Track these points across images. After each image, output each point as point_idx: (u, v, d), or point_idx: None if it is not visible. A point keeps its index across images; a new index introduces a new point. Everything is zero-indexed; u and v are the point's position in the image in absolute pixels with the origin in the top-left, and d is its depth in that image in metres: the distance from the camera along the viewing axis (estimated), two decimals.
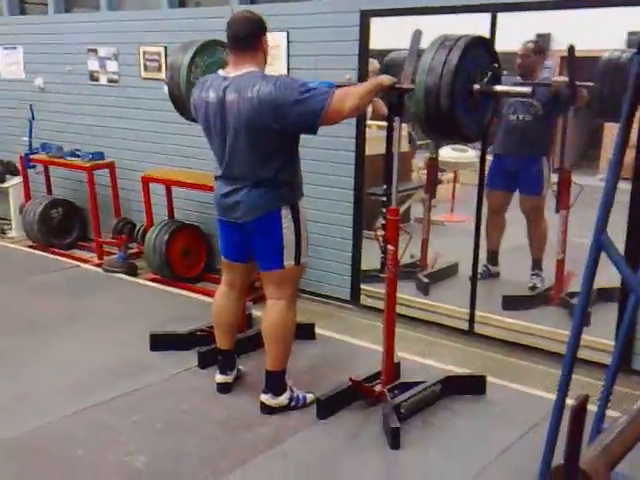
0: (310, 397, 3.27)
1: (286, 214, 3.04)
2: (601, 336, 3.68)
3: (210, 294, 4.74)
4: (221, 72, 3.09)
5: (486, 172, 4.16)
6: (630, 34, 4.09)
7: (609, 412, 2.73)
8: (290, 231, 3.05)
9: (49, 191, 6.21)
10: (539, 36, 4.61)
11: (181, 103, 3.71)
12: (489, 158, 4.31)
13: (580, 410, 1.46)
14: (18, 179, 6.32)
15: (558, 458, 2.05)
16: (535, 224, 4.60)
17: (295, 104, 2.83)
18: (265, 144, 2.95)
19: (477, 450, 2.93)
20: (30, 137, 6.00)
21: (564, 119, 4.31)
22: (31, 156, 5.96)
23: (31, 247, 6.03)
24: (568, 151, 4.36)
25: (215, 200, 3.20)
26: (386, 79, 3.00)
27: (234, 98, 2.91)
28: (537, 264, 4.61)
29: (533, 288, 4.57)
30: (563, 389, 2.09)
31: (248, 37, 2.99)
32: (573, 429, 1.45)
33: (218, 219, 3.24)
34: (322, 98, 2.84)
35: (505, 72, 3.62)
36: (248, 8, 4.90)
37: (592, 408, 2.20)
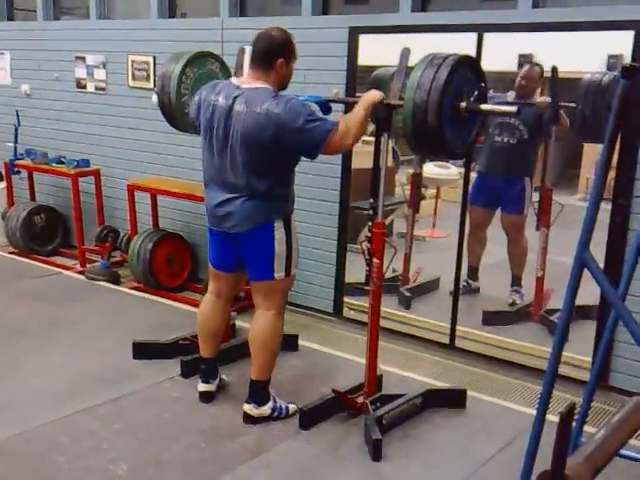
0: (292, 408, 3.29)
1: (278, 226, 3.07)
2: (579, 353, 3.75)
3: (193, 303, 4.77)
4: (234, 80, 3.14)
5: (469, 188, 4.23)
6: (610, 57, 4.19)
7: (587, 428, 2.79)
8: (281, 243, 3.08)
9: (32, 197, 6.19)
10: (521, 56, 4.70)
11: (171, 113, 3.75)
12: (473, 175, 4.37)
13: (568, 416, 1.51)
14: (1, 185, 6.28)
15: (537, 470, 2.10)
16: (516, 242, 4.67)
17: (299, 131, 2.88)
18: (264, 159, 2.97)
19: (458, 462, 2.97)
20: (15, 143, 5.98)
21: (546, 139, 4.40)
22: (16, 162, 5.93)
23: (13, 253, 6.00)
24: (549, 170, 4.44)
25: (207, 208, 3.20)
26: (377, 97, 3.04)
27: (242, 109, 2.94)
28: (517, 281, 4.68)
29: (513, 304, 4.64)
30: (545, 402, 2.14)
31: (265, 55, 3.01)
32: (561, 435, 1.49)
33: (209, 228, 3.25)
34: (326, 130, 2.90)
35: (491, 91, 3.70)
36: (238, 21, 5.01)
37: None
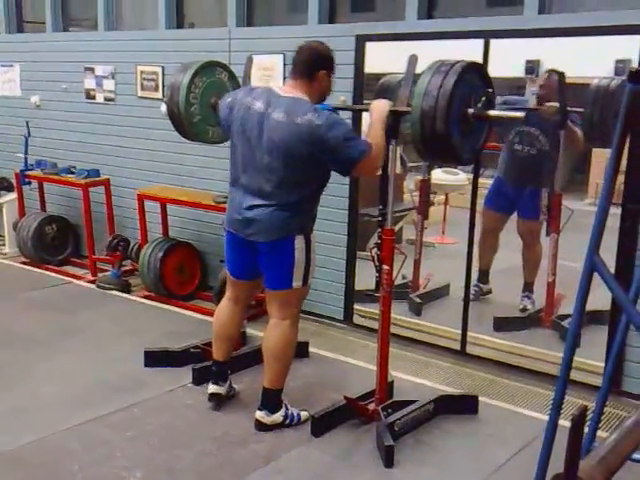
0: (304, 415, 3.30)
1: (299, 239, 3.06)
2: (591, 358, 3.74)
3: (204, 311, 4.79)
4: (274, 88, 3.15)
5: (478, 194, 4.23)
6: (617, 62, 4.19)
7: (600, 433, 2.78)
8: (302, 253, 3.07)
9: (43, 207, 6.23)
10: (528, 62, 4.70)
11: (179, 122, 3.78)
12: (482, 181, 4.38)
13: (581, 418, 1.51)
14: (12, 195, 6.33)
15: (550, 476, 2.10)
16: (531, 248, 4.66)
17: (337, 146, 2.91)
18: (297, 170, 2.98)
19: (470, 468, 2.96)
20: (26, 154, 6.03)
21: (555, 144, 4.40)
22: (26, 172, 5.98)
23: (24, 263, 6.03)
24: (559, 175, 4.44)
25: (229, 209, 3.19)
26: (387, 108, 3.05)
27: (282, 118, 2.94)
28: (528, 286, 4.67)
29: (524, 310, 4.62)
30: (557, 407, 2.14)
31: (307, 65, 3.06)
32: (573, 437, 1.49)
33: (227, 233, 3.22)
34: (362, 149, 2.94)
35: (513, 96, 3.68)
36: (245, 30, 5.05)
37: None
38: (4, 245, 6.47)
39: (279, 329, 3.18)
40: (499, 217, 4.72)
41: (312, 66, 3.05)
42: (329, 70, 3.11)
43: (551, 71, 4.39)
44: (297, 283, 3.12)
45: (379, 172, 3.11)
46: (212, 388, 3.41)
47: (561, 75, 4.03)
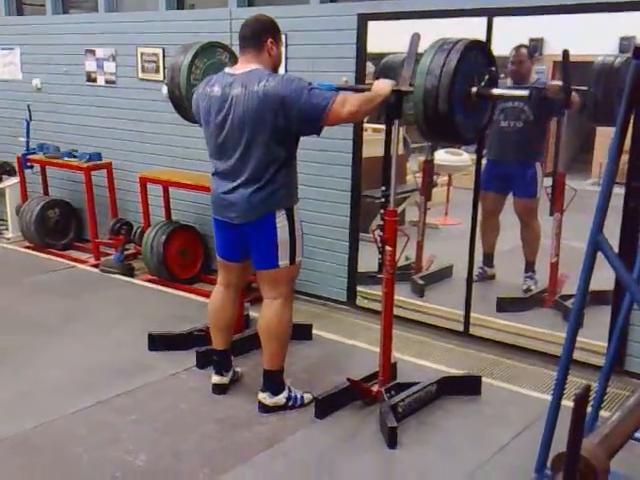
0: (308, 397, 3.30)
1: (280, 214, 3.06)
2: (594, 338, 3.74)
3: (207, 295, 4.77)
4: (227, 70, 3.14)
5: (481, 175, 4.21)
6: (622, 39, 4.15)
7: (602, 412, 2.79)
8: (284, 230, 3.07)
9: (46, 192, 6.23)
10: (532, 40, 4.67)
11: (181, 104, 3.75)
12: (484, 162, 4.36)
13: (584, 397, 1.52)
14: (15, 179, 6.33)
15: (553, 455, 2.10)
16: (529, 226, 4.65)
17: (300, 98, 2.88)
18: (268, 140, 2.95)
19: (473, 449, 2.97)
20: (27, 137, 6.01)
21: (558, 123, 4.37)
22: (28, 156, 5.97)
23: (28, 248, 6.04)
24: (562, 155, 4.41)
25: (212, 197, 3.22)
26: (387, 87, 3.02)
27: (240, 92, 2.95)
28: (530, 266, 4.67)
29: (527, 290, 4.63)
30: (560, 387, 2.14)
31: (253, 36, 3.05)
32: (576, 415, 1.50)
33: (213, 218, 3.26)
34: (327, 96, 2.90)
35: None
36: (246, 10, 5.00)
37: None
38: (7, 230, 6.47)
39: (272, 308, 3.18)
40: (497, 198, 4.71)
41: (257, 36, 3.05)
42: (275, 38, 3.09)
43: (520, 46, 4.39)
44: (284, 262, 3.11)
45: (347, 119, 3.03)
46: (215, 379, 3.42)
47: (565, 53, 3.99)
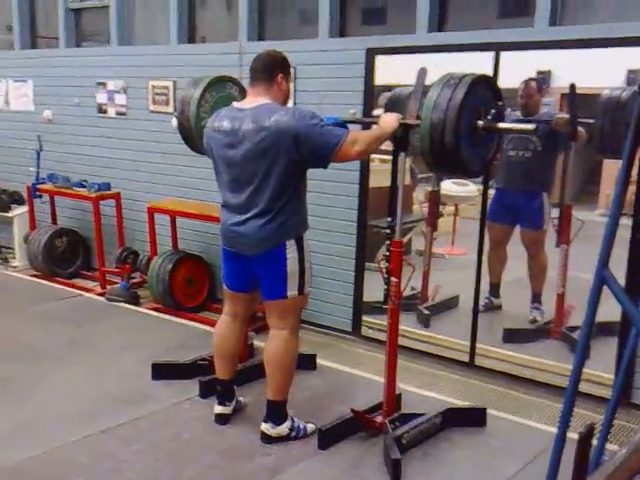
0: (311, 427, 3.28)
1: (290, 245, 3.07)
2: (601, 370, 3.70)
3: (212, 323, 4.76)
4: (236, 104, 3.18)
5: (488, 206, 4.22)
6: (630, 72, 4.17)
7: (609, 445, 2.74)
8: (294, 261, 3.08)
9: (54, 221, 6.28)
10: (539, 73, 4.70)
11: (190, 136, 3.80)
12: (491, 192, 4.37)
13: (588, 436, 1.50)
14: (23, 208, 6.39)
15: None
16: (535, 258, 4.64)
17: (312, 134, 2.92)
18: (280, 173, 2.97)
19: None
20: (38, 168, 6.07)
21: (565, 155, 4.38)
22: (38, 186, 6.03)
23: (34, 276, 6.07)
24: (569, 186, 4.42)
25: (222, 229, 3.23)
26: (394, 122, 3.05)
27: (251, 128, 2.98)
28: (537, 297, 4.64)
29: (533, 321, 4.59)
30: (565, 421, 2.11)
31: (265, 70, 3.09)
32: (580, 454, 1.48)
33: (222, 248, 3.27)
34: (338, 134, 2.95)
35: (509, 109, 3.69)
36: (256, 44, 5.08)
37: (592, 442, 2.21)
38: (15, 258, 6.51)
39: (279, 339, 3.18)
40: (504, 229, 4.70)
41: (269, 70, 3.09)
42: (285, 73, 3.15)
43: (529, 80, 4.42)
44: (292, 292, 3.11)
45: (355, 157, 3.09)
46: (218, 409, 3.40)
47: (572, 86, 4.02)
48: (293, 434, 3.23)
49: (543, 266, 4.62)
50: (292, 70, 4.64)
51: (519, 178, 4.62)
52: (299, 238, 3.11)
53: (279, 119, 2.94)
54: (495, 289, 4.80)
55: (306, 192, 3.20)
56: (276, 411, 3.21)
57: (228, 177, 3.11)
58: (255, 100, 3.08)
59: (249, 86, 3.18)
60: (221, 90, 3.86)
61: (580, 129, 4.14)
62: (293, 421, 3.25)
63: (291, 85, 3.24)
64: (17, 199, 6.53)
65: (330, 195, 4.61)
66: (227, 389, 3.42)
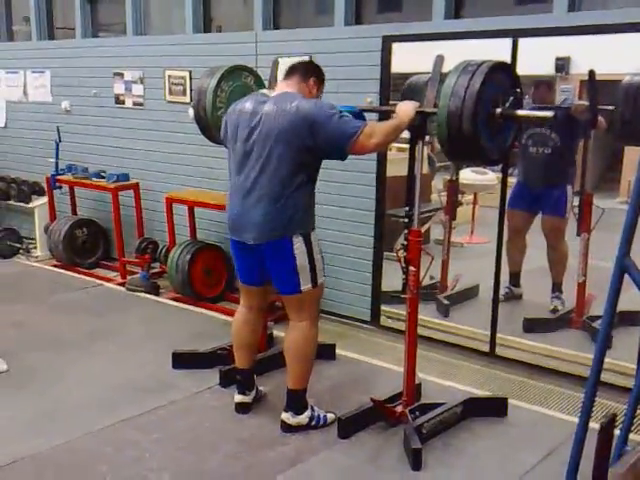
0: (331, 417, 3.29)
1: (297, 240, 3.05)
2: (623, 359, 3.67)
3: (231, 313, 4.78)
4: (264, 91, 3.26)
5: (507, 194, 4.19)
6: None
7: (632, 436, 2.73)
8: (303, 256, 3.06)
9: (74, 211, 6.33)
10: (558, 59, 4.64)
11: (206, 125, 3.80)
12: (510, 180, 4.33)
13: (610, 425, 1.49)
14: (43, 199, 6.44)
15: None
16: (556, 248, 4.60)
17: (330, 123, 2.93)
18: (291, 158, 2.98)
19: (499, 472, 2.92)
20: (57, 158, 6.11)
21: (585, 142, 4.34)
22: (57, 177, 6.07)
23: (55, 266, 6.13)
24: (589, 174, 4.38)
25: (228, 217, 3.22)
26: (411, 110, 3.04)
27: (271, 109, 3.01)
28: (557, 286, 4.61)
29: (554, 311, 4.56)
30: (587, 411, 2.10)
31: (301, 69, 3.18)
32: (602, 444, 1.47)
33: (231, 241, 3.26)
34: (355, 125, 2.95)
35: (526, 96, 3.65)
36: (272, 33, 5.07)
37: (614, 432, 2.20)
38: (35, 248, 6.58)
39: (298, 330, 3.19)
40: (525, 216, 4.67)
41: (305, 71, 3.18)
42: (319, 81, 3.21)
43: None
44: (306, 286, 3.11)
45: (374, 149, 3.10)
46: (238, 398, 3.42)
47: (591, 73, 3.97)
48: (313, 423, 3.24)
49: (563, 256, 4.58)
50: (308, 58, 4.70)
51: (540, 174, 4.59)
52: (306, 235, 3.08)
53: (299, 105, 2.97)
54: (515, 278, 4.77)
55: (314, 192, 3.16)
56: (296, 400, 3.22)
57: (240, 155, 3.10)
58: (282, 89, 3.12)
59: (283, 79, 3.21)
60: (237, 79, 3.85)
61: (600, 118, 4.10)
62: (313, 410, 3.26)
63: (321, 96, 3.25)
64: (37, 190, 6.59)
65: (348, 184, 4.60)
66: (247, 378, 3.44)
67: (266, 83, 3.90)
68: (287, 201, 3.01)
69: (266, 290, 3.36)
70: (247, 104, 3.12)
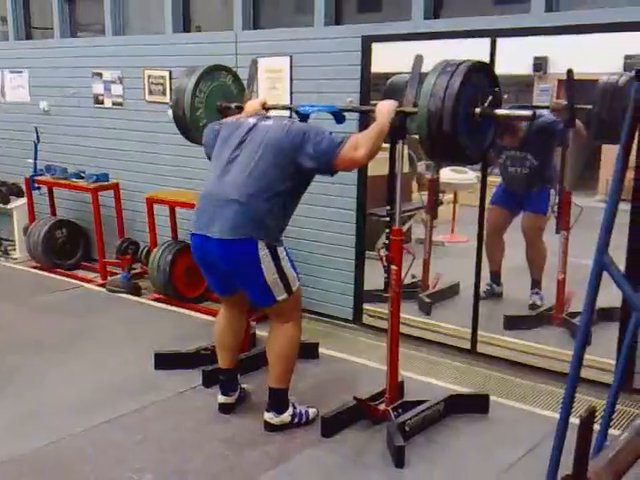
0: (313, 412, 3.30)
1: (264, 254, 2.99)
2: (602, 355, 3.72)
3: (213, 313, 4.78)
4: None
5: (487, 193, 4.22)
6: (627, 57, 4.17)
7: (611, 431, 2.76)
8: (270, 271, 3.01)
9: (53, 212, 6.27)
10: (536, 59, 4.69)
11: (185, 126, 3.80)
12: (490, 179, 4.37)
13: (589, 419, 1.51)
14: (22, 200, 6.38)
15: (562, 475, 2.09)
16: (533, 246, 4.65)
17: (317, 136, 3.01)
18: (278, 165, 3.01)
19: (481, 468, 2.95)
20: (35, 159, 6.06)
21: (563, 141, 4.38)
22: (36, 178, 6.02)
23: (35, 267, 6.08)
24: (567, 172, 4.42)
25: (197, 211, 3.14)
26: (392, 110, 3.06)
27: (270, 123, 3.15)
28: (536, 283, 4.66)
29: (533, 306, 4.61)
30: (567, 406, 2.13)
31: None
32: (582, 438, 1.49)
33: (195, 255, 3.19)
34: (337, 141, 3.00)
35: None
36: (252, 33, 5.07)
37: (594, 427, 2.23)
38: (15, 250, 6.53)
39: (282, 330, 3.20)
40: (505, 214, 4.71)
41: None
42: None
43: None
44: (281, 297, 3.09)
45: (363, 160, 3.09)
46: (221, 399, 3.41)
47: (569, 72, 4.02)
48: (296, 420, 3.24)
49: (541, 253, 4.63)
50: (289, 58, 4.71)
51: (522, 187, 4.66)
52: (272, 247, 3.01)
53: (294, 122, 3.18)
54: (496, 277, 4.81)
55: (294, 208, 3.16)
56: (278, 399, 3.22)
57: (225, 160, 3.09)
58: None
59: None
60: (215, 79, 3.84)
61: (579, 124, 4.16)
62: (295, 407, 3.26)
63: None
64: (16, 191, 6.53)
65: (329, 183, 4.59)
66: (230, 379, 3.43)
67: (245, 83, 3.90)
68: (261, 205, 2.98)
69: (242, 297, 3.31)
70: (250, 119, 3.22)
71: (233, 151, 3.10)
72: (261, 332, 4.20)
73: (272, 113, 3.39)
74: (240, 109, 3.69)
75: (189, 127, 3.79)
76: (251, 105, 3.56)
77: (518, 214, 4.72)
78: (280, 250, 3.06)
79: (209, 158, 3.33)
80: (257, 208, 2.99)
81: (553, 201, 4.56)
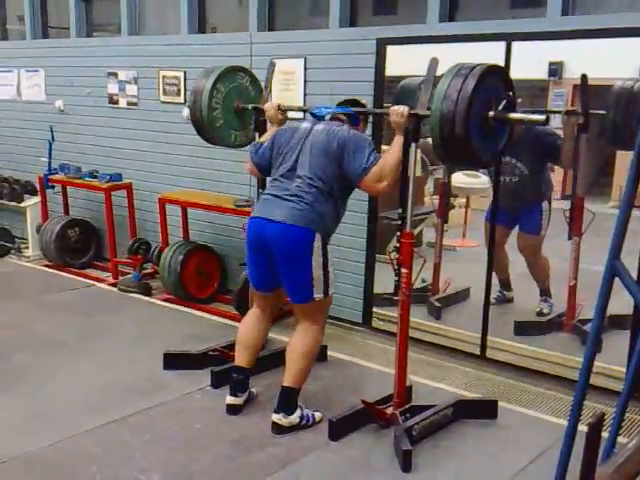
0: (318, 415, 3.31)
1: (317, 246, 3.14)
2: (613, 363, 3.69)
3: (223, 314, 4.82)
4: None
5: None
6: None
7: (620, 439, 2.74)
8: (318, 265, 3.16)
9: (66, 211, 6.31)
10: (552, 64, 4.66)
11: (202, 126, 3.83)
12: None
13: (598, 424, 1.49)
14: (36, 199, 6.42)
15: None
16: (533, 263, 4.60)
17: (357, 149, 3.15)
18: (332, 170, 3.19)
19: (488, 474, 2.93)
20: (50, 158, 6.10)
21: (576, 147, 4.35)
22: (50, 177, 6.06)
23: (47, 266, 6.11)
24: (580, 179, 4.39)
25: (261, 202, 3.34)
26: (405, 116, 3.14)
27: (322, 127, 3.30)
28: (544, 292, 4.62)
29: (540, 313, 4.57)
30: (576, 412, 2.11)
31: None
32: (590, 443, 1.47)
33: (247, 242, 3.31)
34: (368, 162, 3.13)
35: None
36: (267, 35, 5.07)
37: (603, 434, 2.21)
38: (27, 248, 6.56)
39: (307, 331, 3.27)
40: (500, 229, 4.63)
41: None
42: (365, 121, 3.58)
43: None
44: (319, 295, 3.20)
45: (384, 190, 3.21)
46: (230, 400, 3.42)
47: (583, 77, 3.99)
48: (303, 422, 3.25)
49: (543, 269, 4.59)
50: (303, 60, 4.71)
51: (513, 198, 4.57)
52: (325, 245, 3.18)
53: (343, 128, 3.26)
54: (505, 284, 4.78)
55: (343, 211, 3.36)
56: (289, 399, 3.23)
57: (286, 164, 3.27)
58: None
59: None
60: (233, 80, 3.88)
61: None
62: (302, 409, 3.27)
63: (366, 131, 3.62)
64: (30, 189, 6.57)
65: None
66: (244, 378, 3.44)
67: (262, 84, 3.91)
68: (320, 204, 3.17)
69: (279, 294, 3.44)
70: (305, 124, 3.37)
71: (293, 154, 3.25)
72: (272, 334, 4.19)
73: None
74: (257, 110, 3.73)
75: (206, 127, 3.82)
76: (268, 109, 3.67)
77: (514, 227, 4.67)
78: (329, 249, 3.22)
79: (258, 168, 3.51)
80: (317, 206, 3.16)
81: (547, 218, 4.52)
